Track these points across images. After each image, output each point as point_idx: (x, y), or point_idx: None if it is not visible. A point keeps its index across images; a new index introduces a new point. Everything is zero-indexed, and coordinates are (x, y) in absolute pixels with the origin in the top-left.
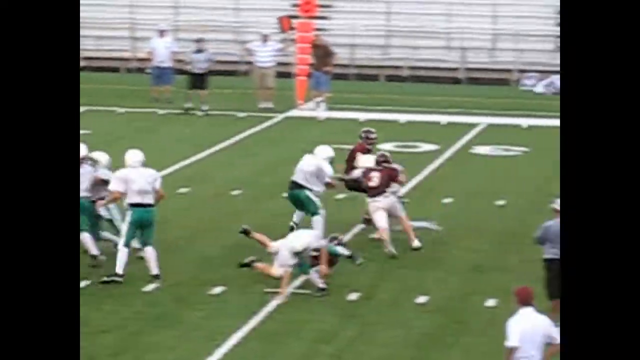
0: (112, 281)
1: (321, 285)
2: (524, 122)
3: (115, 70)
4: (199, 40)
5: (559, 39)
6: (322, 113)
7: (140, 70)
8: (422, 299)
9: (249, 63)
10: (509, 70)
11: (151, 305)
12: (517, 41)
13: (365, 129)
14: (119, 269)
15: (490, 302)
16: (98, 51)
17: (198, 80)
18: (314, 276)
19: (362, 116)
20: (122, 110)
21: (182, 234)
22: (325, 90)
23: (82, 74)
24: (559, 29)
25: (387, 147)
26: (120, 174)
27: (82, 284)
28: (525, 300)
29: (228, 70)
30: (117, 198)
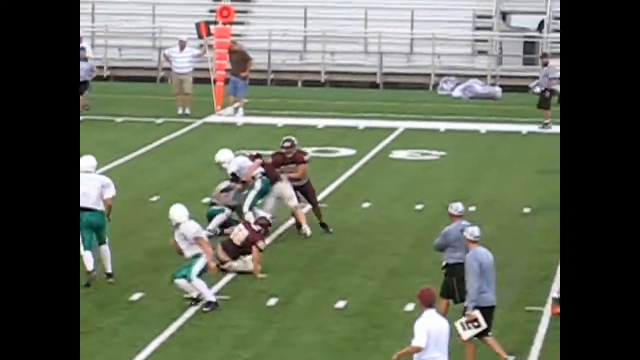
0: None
1: None
2: (442, 126)
3: None
4: (82, 49)
5: (477, 43)
6: (240, 119)
7: None
8: (341, 304)
9: (167, 69)
10: (427, 75)
11: None
12: (435, 46)
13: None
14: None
15: (409, 307)
16: None
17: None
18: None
19: (280, 121)
20: None
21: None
22: (243, 95)
23: None
24: (477, 33)
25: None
26: None
27: None
28: (428, 301)
29: (146, 77)
30: None
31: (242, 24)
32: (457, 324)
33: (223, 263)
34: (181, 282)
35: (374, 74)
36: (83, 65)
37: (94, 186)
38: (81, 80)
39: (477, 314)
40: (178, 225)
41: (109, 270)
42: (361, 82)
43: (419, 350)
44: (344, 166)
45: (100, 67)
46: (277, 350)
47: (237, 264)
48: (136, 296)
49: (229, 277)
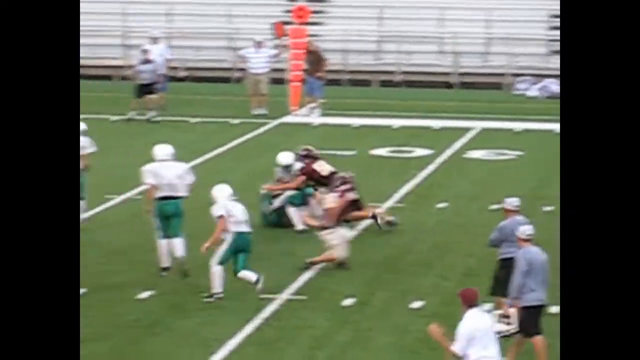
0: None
1: None
2: (518, 126)
3: (107, 78)
4: (144, 51)
5: (551, 43)
6: (316, 119)
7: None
8: (416, 304)
9: (242, 70)
10: (502, 74)
11: (146, 313)
12: (510, 45)
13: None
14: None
15: (485, 307)
16: (91, 59)
17: (145, 91)
18: None
19: (355, 122)
20: (115, 117)
21: None
22: (318, 96)
23: None
24: (551, 32)
25: (380, 152)
26: (150, 168)
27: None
28: (470, 301)
29: (221, 77)
30: (152, 191)
31: (317, 24)
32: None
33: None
34: (243, 274)
35: (449, 74)
36: (147, 67)
37: (172, 174)
38: (146, 82)
39: (512, 311)
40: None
41: (180, 254)
42: (436, 81)
43: (457, 356)
44: (419, 166)
45: (175, 68)
46: (352, 350)
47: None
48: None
49: (305, 277)
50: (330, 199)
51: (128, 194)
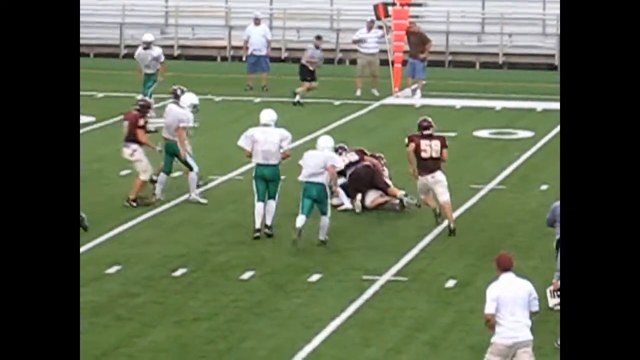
0: (258, 237)
1: None
2: None
3: (211, 58)
4: (318, 37)
5: None
6: (418, 100)
7: (236, 58)
8: None
9: (347, 51)
10: None
11: (249, 293)
12: None
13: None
14: (258, 224)
15: None
16: (194, 39)
17: (309, 74)
18: None
19: (457, 103)
20: (219, 98)
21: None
22: (421, 77)
23: (178, 62)
24: None
25: (483, 134)
26: (249, 133)
27: (179, 272)
28: (503, 265)
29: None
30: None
31: (419, 5)
32: (547, 290)
33: None
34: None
35: (552, 56)
36: (317, 53)
37: (272, 140)
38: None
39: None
40: None
41: (269, 223)
42: (539, 63)
43: (488, 317)
44: (521, 148)
45: (278, 49)
46: (455, 332)
47: None
48: (314, 277)
49: (406, 259)
50: None
51: (230, 175)
